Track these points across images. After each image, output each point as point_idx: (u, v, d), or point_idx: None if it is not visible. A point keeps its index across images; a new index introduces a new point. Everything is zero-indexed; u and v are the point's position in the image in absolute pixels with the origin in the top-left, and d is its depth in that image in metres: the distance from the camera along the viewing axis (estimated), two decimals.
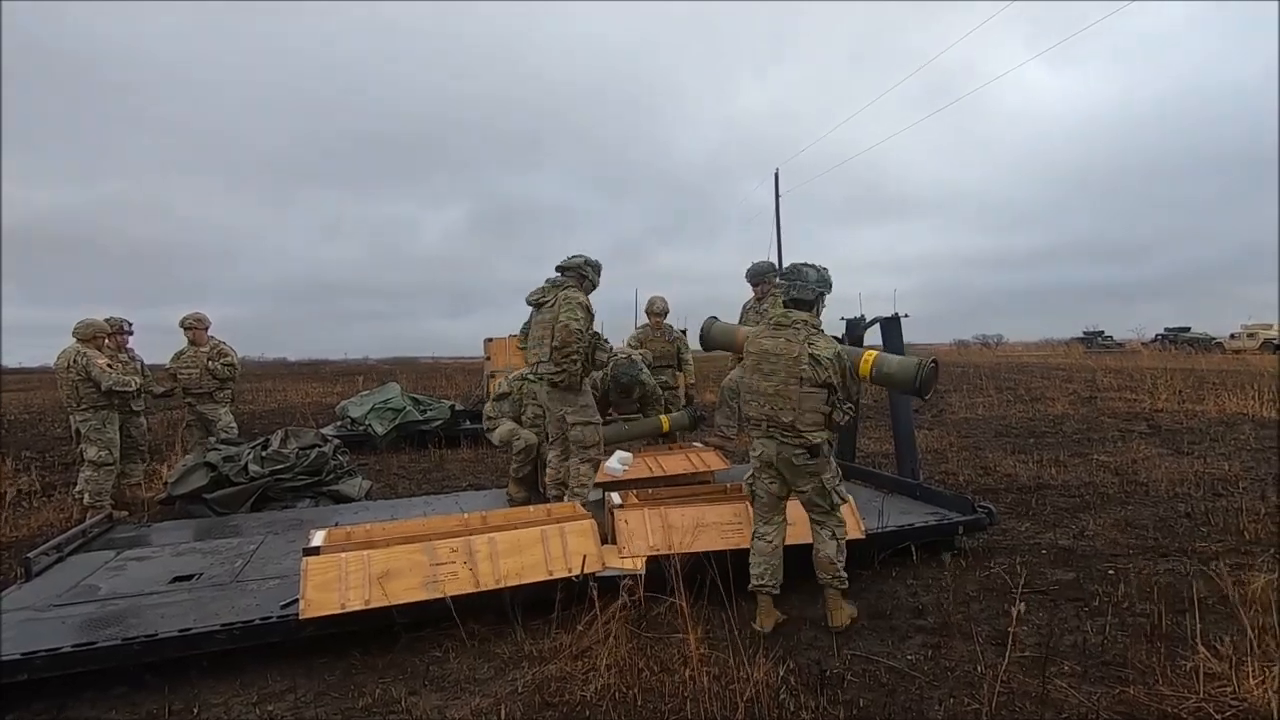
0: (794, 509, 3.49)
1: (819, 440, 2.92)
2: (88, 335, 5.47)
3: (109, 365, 5.43)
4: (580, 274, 4.12)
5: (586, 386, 4.09)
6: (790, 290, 3.06)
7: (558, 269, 4.15)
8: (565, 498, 4.29)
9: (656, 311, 6.15)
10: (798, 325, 2.98)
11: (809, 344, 2.92)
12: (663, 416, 5.06)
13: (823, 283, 3.09)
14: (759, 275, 5.20)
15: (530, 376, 4.30)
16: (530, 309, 4.24)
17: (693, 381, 6.39)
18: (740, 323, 5.26)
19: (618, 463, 4.21)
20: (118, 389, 5.37)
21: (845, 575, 3.03)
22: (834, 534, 3.06)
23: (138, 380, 5.69)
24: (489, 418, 5.08)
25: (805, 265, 3.10)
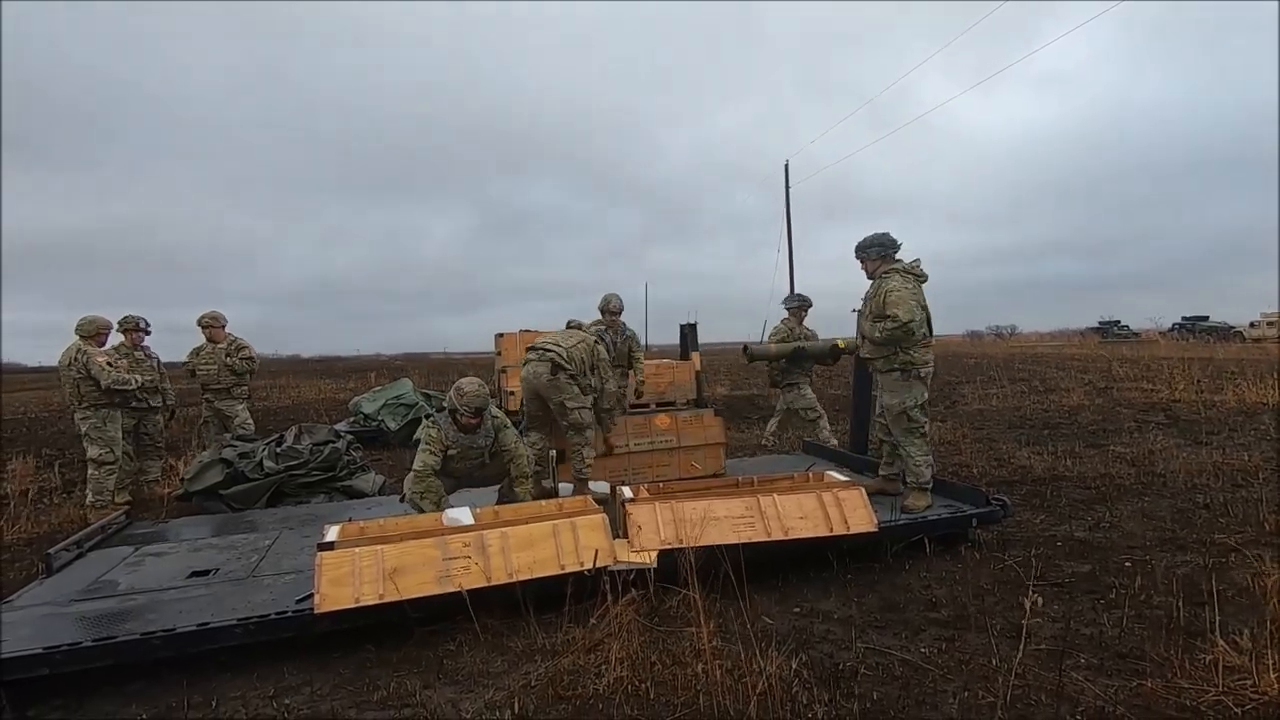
0: (800, 500, 3.47)
1: None
2: (90, 332, 5.39)
3: (109, 363, 5.32)
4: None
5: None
6: None
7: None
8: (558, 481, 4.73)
9: (613, 310, 6.18)
10: None
11: None
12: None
13: None
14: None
15: (532, 358, 4.61)
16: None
17: (643, 379, 6.43)
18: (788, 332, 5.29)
19: (460, 515, 3.48)
20: (117, 387, 5.26)
21: None
22: None
23: (138, 379, 5.52)
24: (421, 474, 3.94)
25: None
